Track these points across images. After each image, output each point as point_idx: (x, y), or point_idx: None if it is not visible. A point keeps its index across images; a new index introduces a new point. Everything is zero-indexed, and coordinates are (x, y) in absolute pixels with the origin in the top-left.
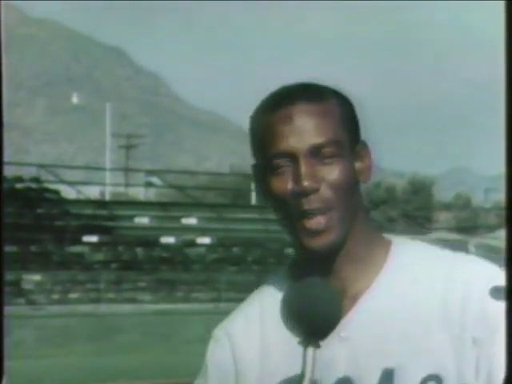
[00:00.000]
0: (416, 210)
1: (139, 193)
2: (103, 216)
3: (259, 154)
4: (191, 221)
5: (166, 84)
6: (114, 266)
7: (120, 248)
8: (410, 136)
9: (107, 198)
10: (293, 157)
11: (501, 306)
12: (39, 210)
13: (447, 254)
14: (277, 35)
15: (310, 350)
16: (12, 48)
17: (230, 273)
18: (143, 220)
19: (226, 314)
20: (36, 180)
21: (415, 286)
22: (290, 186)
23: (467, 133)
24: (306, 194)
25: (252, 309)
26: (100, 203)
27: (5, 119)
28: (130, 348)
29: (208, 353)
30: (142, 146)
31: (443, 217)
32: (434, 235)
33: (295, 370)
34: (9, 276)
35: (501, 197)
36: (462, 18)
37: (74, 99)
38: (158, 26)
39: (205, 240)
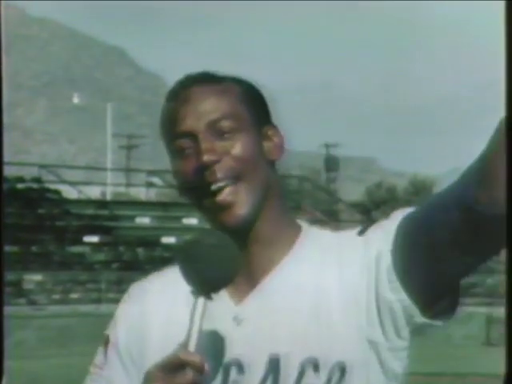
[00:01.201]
0: None
1: (140, 193)
2: (104, 216)
3: (164, 140)
4: (192, 221)
5: (167, 84)
6: (115, 266)
7: (121, 248)
8: (410, 136)
9: (108, 198)
10: (192, 136)
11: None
12: (40, 210)
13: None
14: (277, 35)
15: (201, 301)
16: (12, 48)
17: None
18: (144, 220)
19: None
20: (37, 180)
21: (317, 275)
22: (192, 164)
23: (468, 133)
24: (206, 167)
25: (168, 280)
26: (101, 203)
27: (5, 119)
28: None
29: (120, 306)
30: (143, 146)
31: None
32: None
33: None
34: (9, 276)
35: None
36: (462, 18)
37: (75, 99)
38: (159, 26)
39: None
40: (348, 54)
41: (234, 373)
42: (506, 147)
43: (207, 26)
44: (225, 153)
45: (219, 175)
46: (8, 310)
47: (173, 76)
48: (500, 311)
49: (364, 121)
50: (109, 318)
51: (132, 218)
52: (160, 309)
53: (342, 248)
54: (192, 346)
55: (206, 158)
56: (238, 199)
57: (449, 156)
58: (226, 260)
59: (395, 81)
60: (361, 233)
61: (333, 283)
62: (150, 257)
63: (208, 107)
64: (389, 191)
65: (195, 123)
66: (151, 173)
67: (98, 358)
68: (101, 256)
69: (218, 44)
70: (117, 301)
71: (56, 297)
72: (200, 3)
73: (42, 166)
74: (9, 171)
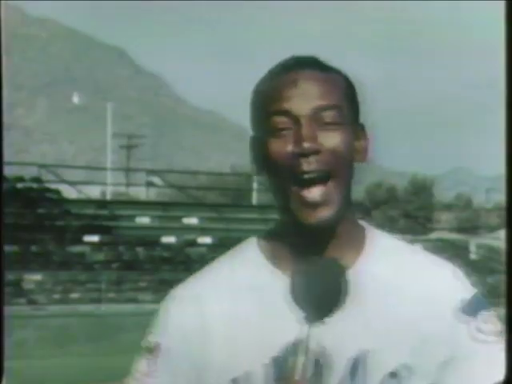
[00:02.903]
0: (417, 211)
1: (140, 193)
2: (104, 216)
3: (261, 116)
4: (192, 221)
5: (167, 84)
6: (114, 265)
7: (121, 248)
8: (410, 136)
9: (108, 197)
10: (295, 118)
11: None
12: (40, 210)
13: (416, 248)
14: (277, 35)
15: (310, 327)
16: (13, 48)
17: None
18: (144, 220)
19: None
20: (37, 180)
21: (397, 273)
22: (290, 147)
23: (468, 133)
24: (306, 154)
25: (221, 272)
26: (101, 203)
27: (5, 119)
28: (130, 348)
29: (169, 312)
30: (142, 145)
31: (444, 217)
32: (435, 235)
33: (274, 341)
34: (9, 276)
35: (502, 197)
36: (462, 18)
37: (75, 99)
38: (159, 26)
39: (206, 240)
40: (347, 53)
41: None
42: (506, 149)
43: (207, 26)
44: (324, 144)
45: (315, 166)
46: (8, 309)
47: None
48: (500, 311)
49: (364, 121)
50: (108, 317)
51: (132, 217)
52: (220, 309)
53: (409, 252)
54: (302, 372)
55: (306, 144)
56: (328, 199)
57: (449, 156)
58: (337, 287)
59: (395, 81)
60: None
61: (410, 283)
62: (150, 257)
63: (317, 92)
64: (388, 191)
65: (301, 105)
66: (151, 173)
67: (143, 365)
68: (101, 256)
69: (218, 44)
70: (117, 301)
71: (56, 297)
72: (200, 3)
73: (41, 166)
74: (9, 171)
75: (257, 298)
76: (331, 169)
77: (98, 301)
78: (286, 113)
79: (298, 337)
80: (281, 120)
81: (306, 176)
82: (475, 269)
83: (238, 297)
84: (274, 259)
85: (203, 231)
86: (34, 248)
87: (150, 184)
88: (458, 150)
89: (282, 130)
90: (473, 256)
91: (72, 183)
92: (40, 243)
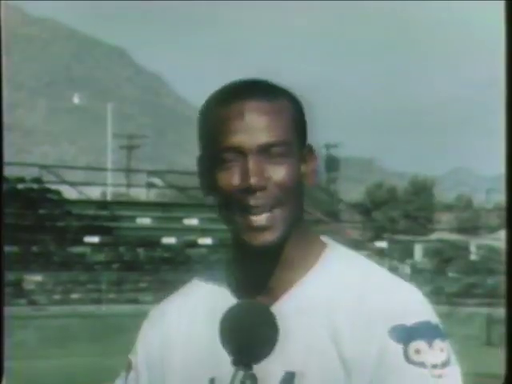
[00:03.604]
0: (417, 211)
1: (141, 193)
2: (105, 216)
3: (208, 147)
4: (193, 221)
5: (168, 84)
6: (115, 266)
7: (121, 249)
8: (410, 137)
9: (109, 198)
10: (242, 153)
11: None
12: (41, 211)
13: (375, 271)
14: (277, 35)
15: (240, 371)
16: (13, 48)
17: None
18: (145, 220)
19: None
20: (37, 180)
21: (337, 297)
22: (236, 181)
23: (468, 133)
24: (252, 190)
25: (187, 298)
26: (101, 204)
27: (6, 120)
28: (131, 348)
29: (140, 330)
30: (143, 146)
31: (444, 217)
32: (436, 236)
33: (216, 370)
34: (10, 276)
35: (502, 198)
36: (462, 18)
37: (76, 100)
38: (159, 26)
39: (206, 241)
40: (348, 53)
41: None
42: (506, 150)
43: (207, 26)
44: (271, 178)
45: (262, 201)
46: (8, 310)
47: (174, 76)
48: (500, 311)
49: (364, 121)
50: (109, 318)
51: (132, 218)
52: (179, 329)
53: (357, 274)
54: None
55: (253, 181)
56: (274, 224)
57: (449, 156)
58: (267, 333)
59: (395, 81)
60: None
61: (347, 305)
62: (151, 257)
63: (263, 128)
64: (389, 191)
65: (247, 141)
66: (151, 173)
67: (119, 381)
68: (101, 256)
69: (218, 44)
70: (117, 301)
71: (56, 297)
72: (200, 3)
73: (42, 167)
74: (9, 171)
75: (211, 323)
76: (278, 200)
77: (99, 301)
78: (233, 148)
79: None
80: (228, 155)
81: (252, 210)
82: (475, 269)
83: (196, 319)
84: (232, 285)
85: (204, 232)
86: (34, 248)
87: (150, 185)
88: (458, 150)
89: (230, 162)
90: (473, 256)
91: (72, 184)
92: (40, 244)
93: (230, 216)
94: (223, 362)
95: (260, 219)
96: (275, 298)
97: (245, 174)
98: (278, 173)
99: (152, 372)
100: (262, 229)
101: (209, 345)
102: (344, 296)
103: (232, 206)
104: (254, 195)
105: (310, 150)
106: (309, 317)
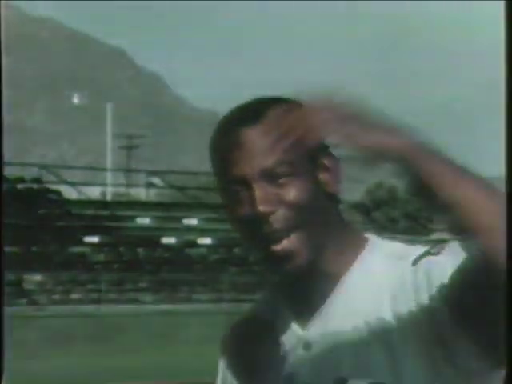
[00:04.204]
0: (418, 211)
1: (140, 193)
2: (104, 216)
3: (218, 181)
4: (192, 221)
5: (168, 84)
6: (115, 266)
7: (121, 248)
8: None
9: (108, 198)
10: (245, 182)
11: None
12: (40, 211)
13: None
14: (277, 35)
15: None
16: (13, 48)
17: (231, 273)
18: (144, 220)
19: (227, 314)
20: (37, 181)
21: (371, 297)
22: (246, 211)
23: (468, 133)
24: (262, 218)
25: (247, 322)
26: (101, 204)
27: (6, 120)
28: (131, 348)
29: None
30: (143, 146)
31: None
32: (436, 236)
33: None
34: (10, 276)
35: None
36: (462, 17)
37: (75, 99)
38: (159, 26)
39: (206, 240)
40: (347, 53)
41: None
42: (506, 150)
43: (208, 26)
44: (280, 201)
45: (275, 226)
46: (8, 310)
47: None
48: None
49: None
50: (109, 318)
51: (132, 218)
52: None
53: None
54: None
55: (260, 208)
56: (298, 248)
57: (450, 156)
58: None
59: (395, 81)
60: (414, 263)
61: (388, 304)
62: (151, 257)
63: (260, 152)
64: (389, 191)
65: (248, 170)
66: (151, 173)
67: None
68: (101, 256)
69: (217, 44)
70: (117, 301)
71: (56, 297)
72: (201, 3)
73: (42, 167)
74: (9, 171)
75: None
76: (293, 221)
77: (99, 301)
78: (237, 180)
79: None
80: (235, 186)
81: (270, 237)
82: None
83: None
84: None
85: (203, 232)
86: (34, 248)
87: (150, 185)
88: (457, 150)
89: (239, 194)
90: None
91: (72, 184)
92: (40, 244)
93: (253, 246)
94: (276, 374)
95: (279, 246)
96: (319, 301)
97: (252, 203)
98: (287, 194)
99: None
100: (288, 255)
101: (260, 358)
102: (386, 291)
103: (251, 236)
104: (267, 223)
105: (329, 157)
106: (353, 319)
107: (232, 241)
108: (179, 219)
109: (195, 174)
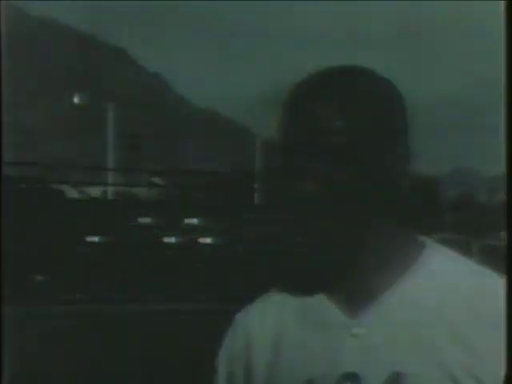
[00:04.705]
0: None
1: (141, 193)
2: (106, 216)
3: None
4: (193, 221)
5: (169, 84)
6: (116, 265)
7: (123, 248)
8: (411, 137)
9: (110, 198)
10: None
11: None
12: (41, 211)
13: (477, 271)
14: (277, 35)
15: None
16: (13, 48)
17: (233, 273)
18: (146, 220)
19: (228, 314)
20: (38, 180)
21: (438, 296)
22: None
23: (468, 133)
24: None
25: (271, 303)
26: (103, 203)
27: (6, 119)
28: (131, 349)
29: (225, 337)
30: (143, 146)
31: (446, 217)
32: (437, 236)
33: (310, 371)
34: (10, 276)
35: (502, 198)
36: (462, 18)
37: (76, 99)
38: (161, 27)
39: (206, 240)
40: (347, 53)
41: None
42: (506, 147)
43: (208, 26)
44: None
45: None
46: (8, 310)
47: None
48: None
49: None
50: (109, 318)
51: (132, 218)
52: (265, 331)
53: (460, 275)
54: None
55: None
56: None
57: (451, 156)
58: None
59: (395, 81)
60: None
61: (455, 306)
62: (152, 256)
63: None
64: None
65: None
66: (152, 173)
67: None
68: (102, 256)
69: (218, 44)
70: (118, 301)
71: (57, 297)
72: (201, 3)
73: (42, 167)
74: (9, 171)
75: (300, 322)
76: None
77: (99, 301)
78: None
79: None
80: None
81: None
82: None
83: (285, 320)
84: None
85: (204, 232)
86: (34, 248)
87: (151, 184)
88: (457, 149)
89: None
90: (473, 256)
91: (72, 184)
92: (41, 244)
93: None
94: (317, 362)
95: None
96: (373, 293)
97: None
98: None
99: (235, 378)
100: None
101: (300, 345)
102: (449, 296)
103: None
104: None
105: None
106: (416, 319)
107: (233, 241)
108: (180, 219)
109: (196, 173)
